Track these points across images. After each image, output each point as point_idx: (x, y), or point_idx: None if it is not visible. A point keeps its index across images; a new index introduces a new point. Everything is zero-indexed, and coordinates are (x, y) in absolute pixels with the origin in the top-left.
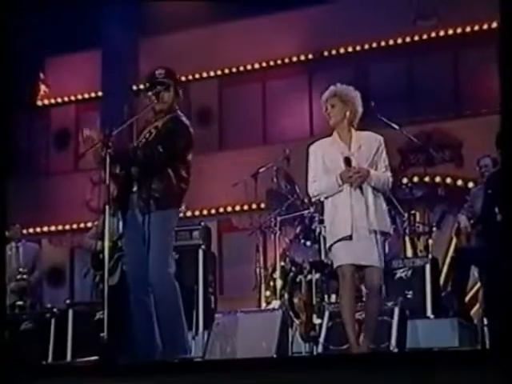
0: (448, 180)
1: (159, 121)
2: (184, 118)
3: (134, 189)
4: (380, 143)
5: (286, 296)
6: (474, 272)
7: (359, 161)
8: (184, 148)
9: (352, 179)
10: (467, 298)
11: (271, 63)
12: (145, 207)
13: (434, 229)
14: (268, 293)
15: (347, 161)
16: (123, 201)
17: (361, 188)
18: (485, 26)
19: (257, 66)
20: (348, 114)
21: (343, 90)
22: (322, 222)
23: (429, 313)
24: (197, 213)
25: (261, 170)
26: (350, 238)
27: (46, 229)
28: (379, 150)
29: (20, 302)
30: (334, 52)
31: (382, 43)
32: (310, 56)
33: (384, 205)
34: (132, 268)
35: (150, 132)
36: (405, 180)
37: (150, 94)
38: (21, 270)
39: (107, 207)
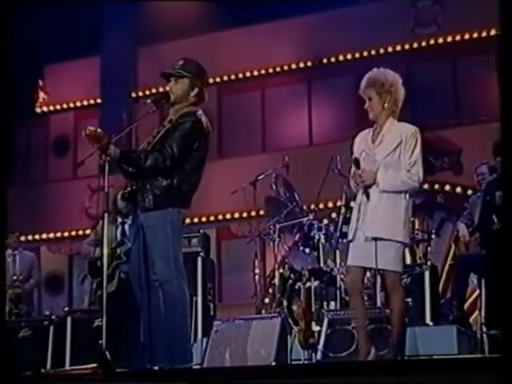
0: (447, 187)
1: (174, 114)
2: (199, 113)
3: (137, 185)
4: (407, 136)
5: (285, 303)
6: (473, 279)
7: (377, 157)
8: (197, 147)
9: (356, 184)
10: (466, 305)
11: (270, 71)
12: (142, 204)
13: (433, 236)
14: (267, 300)
15: (355, 162)
16: (132, 198)
17: (367, 192)
18: (484, 34)
19: (256, 73)
20: (386, 105)
21: (378, 79)
22: (320, 229)
23: (428, 320)
24: (196, 220)
25: (260, 178)
26: (353, 240)
27: (44, 236)
28: (405, 144)
29: (16, 310)
30: (333, 59)
31: (381, 51)
32: (310, 63)
33: (400, 209)
34: (134, 268)
35: (163, 125)
36: None
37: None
38: (15, 277)
39: (106, 215)
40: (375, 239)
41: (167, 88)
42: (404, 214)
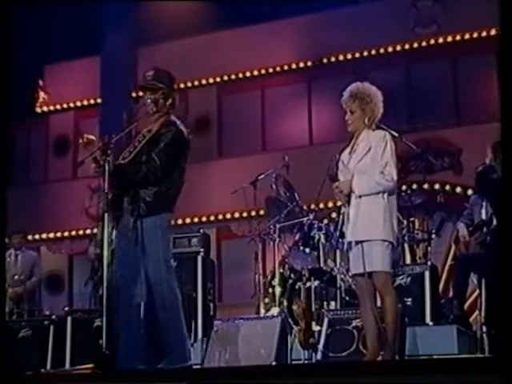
0: (447, 187)
1: (153, 124)
2: (178, 122)
3: (121, 193)
4: (376, 141)
5: (285, 303)
6: (473, 279)
7: (350, 166)
8: (181, 155)
9: (336, 196)
10: (466, 305)
11: (270, 70)
12: (136, 211)
13: (433, 236)
14: (267, 300)
15: (330, 177)
16: (118, 204)
17: (348, 201)
18: (484, 34)
19: (256, 73)
20: (366, 120)
21: (362, 93)
22: (320, 229)
23: (428, 320)
24: (196, 220)
25: (260, 178)
26: (348, 248)
27: (44, 236)
28: (375, 148)
29: (17, 310)
30: (333, 59)
31: (381, 51)
32: (310, 63)
33: (378, 209)
34: (130, 271)
35: (143, 135)
36: (404, 187)
37: (149, 101)
38: (16, 277)
39: (106, 215)
40: (358, 243)
41: (145, 99)
42: (383, 213)
